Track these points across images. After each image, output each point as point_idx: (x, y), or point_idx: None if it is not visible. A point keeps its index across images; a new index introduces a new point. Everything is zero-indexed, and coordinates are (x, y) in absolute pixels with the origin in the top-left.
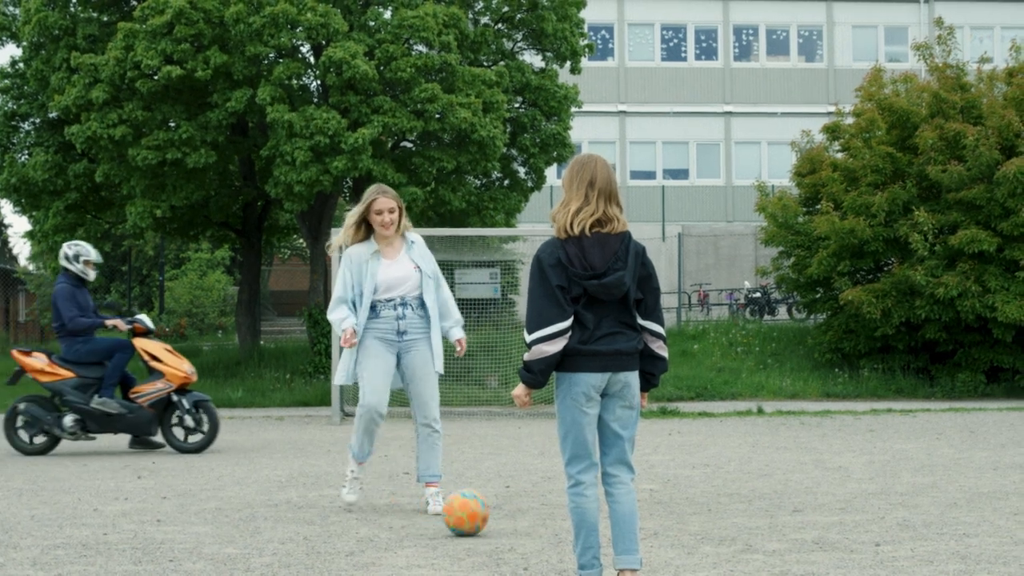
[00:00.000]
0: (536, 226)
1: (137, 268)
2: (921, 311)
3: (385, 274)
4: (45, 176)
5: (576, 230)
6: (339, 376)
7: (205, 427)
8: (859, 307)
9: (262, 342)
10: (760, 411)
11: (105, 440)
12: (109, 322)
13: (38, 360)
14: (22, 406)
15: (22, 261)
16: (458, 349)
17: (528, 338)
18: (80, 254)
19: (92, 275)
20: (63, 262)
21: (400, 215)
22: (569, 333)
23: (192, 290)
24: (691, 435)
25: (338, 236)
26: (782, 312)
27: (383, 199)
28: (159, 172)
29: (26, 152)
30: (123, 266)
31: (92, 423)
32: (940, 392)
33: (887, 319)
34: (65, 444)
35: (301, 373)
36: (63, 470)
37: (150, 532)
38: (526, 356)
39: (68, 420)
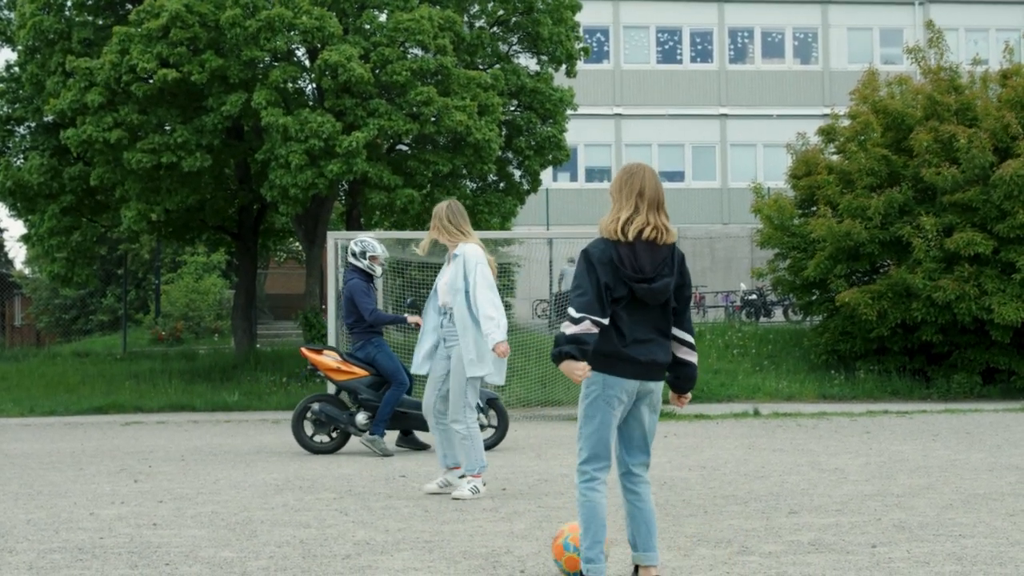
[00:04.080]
0: (532, 229)
1: (133, 271)
2: (917, 313)
3: (439, 279)
4: (40, 180)
5: (630, 236)
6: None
7: (496, 423)
8: (855, 309)
9: (258, 345)
10: (756, 413)
11: (100, 443)
12: (411, 319)
13: (330, 358)
14: (315, 406)
15: (18, 265)
16: (497, 353)
17: (576, 315)
18: (367, 251)
19: (379, 271)
20: (351, 259)
21: (434, 228)
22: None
23: (188, 293)
24: (687, 437)
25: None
26: (778, 314)
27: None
28: (154, 175)
29: (21, 156)
30: (119, 269)
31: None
32: (936, 394)
33: (883, 321)
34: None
35: (297, 376)
36: (59, 474)
37: (146, 536)
38: (576, 330)
39: (361, 417)
